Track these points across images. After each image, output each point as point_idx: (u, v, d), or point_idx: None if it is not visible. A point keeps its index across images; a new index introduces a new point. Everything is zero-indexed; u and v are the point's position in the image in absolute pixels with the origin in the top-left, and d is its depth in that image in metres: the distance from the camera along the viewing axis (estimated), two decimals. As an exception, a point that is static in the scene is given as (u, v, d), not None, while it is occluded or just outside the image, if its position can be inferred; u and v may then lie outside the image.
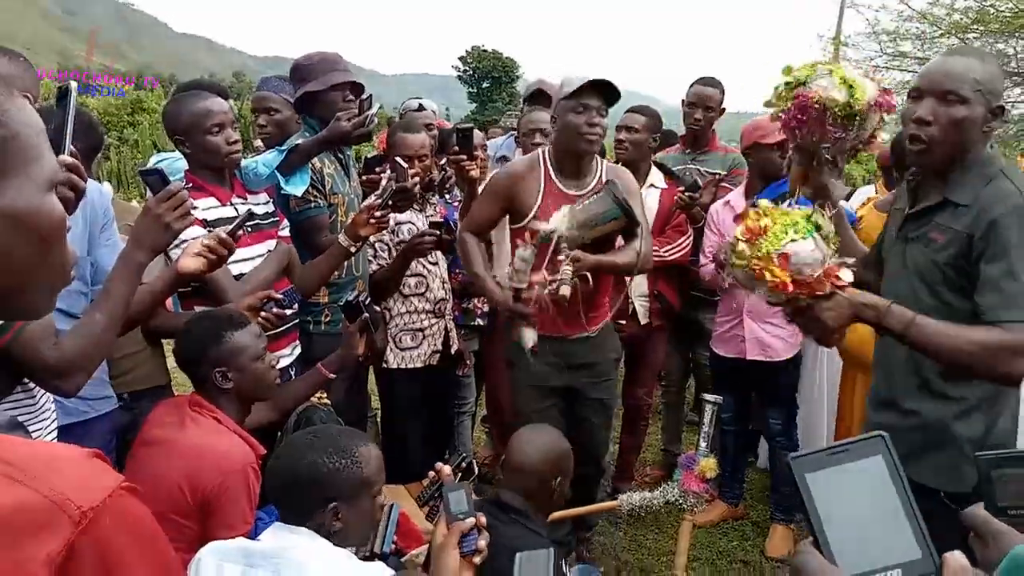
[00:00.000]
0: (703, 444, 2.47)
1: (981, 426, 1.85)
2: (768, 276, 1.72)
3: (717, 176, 3.70)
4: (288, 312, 2.45)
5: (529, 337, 2.55)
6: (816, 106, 1.89)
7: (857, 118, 1.90)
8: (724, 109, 3.77)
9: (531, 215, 2.67)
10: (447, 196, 3.47)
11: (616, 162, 3.39)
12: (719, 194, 3.60)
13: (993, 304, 1.71)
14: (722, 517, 3.63)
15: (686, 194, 3.38)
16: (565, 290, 2.37)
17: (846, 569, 0.65)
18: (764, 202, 1.84)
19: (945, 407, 1.88)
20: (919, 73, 1.90)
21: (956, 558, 0.63)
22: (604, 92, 2.59)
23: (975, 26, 8.67)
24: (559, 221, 2.47)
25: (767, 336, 3.30)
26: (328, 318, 2.88)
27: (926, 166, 1.88)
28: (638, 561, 3.29)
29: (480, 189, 3.12)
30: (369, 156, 3.25)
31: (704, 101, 3.69)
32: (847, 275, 1.73)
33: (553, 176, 2.72)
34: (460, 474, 2.19)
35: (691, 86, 3.77)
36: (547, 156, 2.76)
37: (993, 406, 1.86)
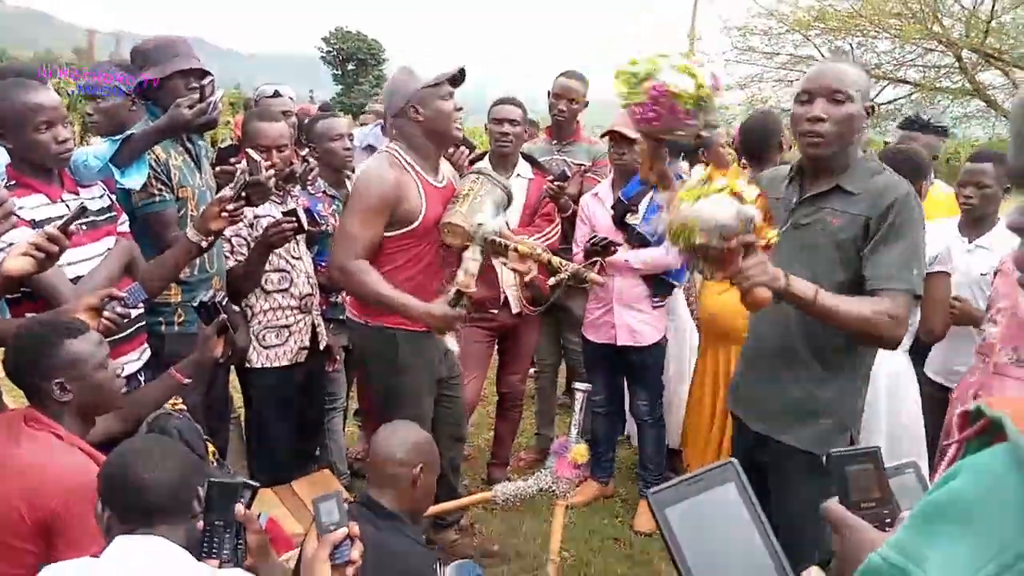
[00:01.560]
0: (574, 431, 2.52)
1: (851, 400, 2.13)
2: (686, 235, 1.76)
3: (583, 167, 3.77)
4: (133, 312, 2.27)
5: (452, 343, 2.63)
6: (667, 97, 1.92)
7: (703, 103, 1.96)
8: (587, 102, 3.83)
9: (419, 219, 2.61)
10: (310, 188, 3.34)
11: (500, 155, 3.41)
12: (585, 184, 3.68)
13: (881, 275, 1.95)
14: (594, 497, 3.74)
15: (555, 183, 3.42)
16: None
17: None
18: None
19: (818, 382, 2.10)
20: (806, 77, 2.07)
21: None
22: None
23: (816, 23, 9.30)
24: (479, 216, 2.54)
25: (635, 322, 3.43)
26: (182, 318, 2.71)
27: (821, 159, 2.06)
28: (514, 546, 3.33)
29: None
30: (222, 146, 3.05)
31: (568, 93, 3.73)
32: (770, 234, 1.81)
33: (422, 173, 2.68)
34: (204, 310, 2.28)
35: (556, 78, 3.81)
36: (402, 153, 2.67)
37: (855, 380, 2.13)
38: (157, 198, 2.60)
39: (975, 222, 3.05)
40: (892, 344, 2.01)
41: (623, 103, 2.00)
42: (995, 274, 2.71)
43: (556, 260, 2.69)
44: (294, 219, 2.77)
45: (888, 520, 0.83)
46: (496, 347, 3.75)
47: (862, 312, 1.92)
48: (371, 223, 2.58)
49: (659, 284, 3.41)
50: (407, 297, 2.55)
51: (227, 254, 2.90)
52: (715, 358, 3.42)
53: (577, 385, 2.73)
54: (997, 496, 0.52)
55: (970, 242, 3.04)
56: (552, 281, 2.80)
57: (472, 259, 2.53)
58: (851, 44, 9.09)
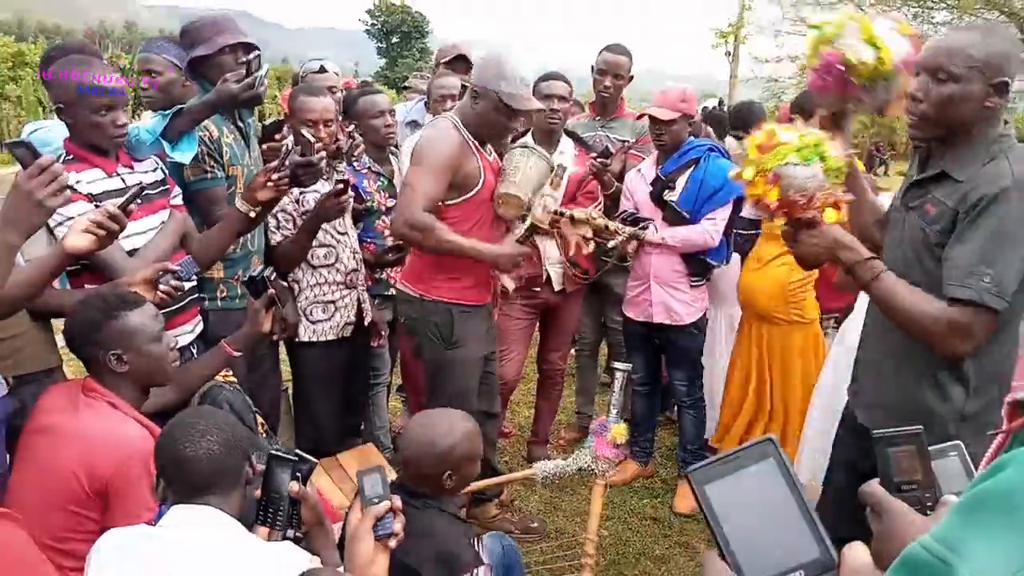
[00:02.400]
0: (613, 411, 2.52)
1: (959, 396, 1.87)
2: (754, 189, 1.78)
3: (626, 144, 3.73)
4: (186, 284, 2.33)
5: (509, 282, 2.75)
6: (840, 66, 1.87)
7: (883, 80, 1.88)
8: (632, 76, 3.78)
9: (478, 185, 2.71)
10: (355, 164, 3.37)
11: (547, 131, 3.40)
12: (629, 161, 3.64)
13: (948, 276, 1.75)
14: (634, 476, 3.75)
15: (598, 160, 3.40)
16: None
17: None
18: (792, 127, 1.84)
19: (941, 397, 1.87)
20: (924, 47, 1.86)
21: (853, 554, 0.64)
22: None
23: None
24: (536, 182, 2.72)
25: (672, 301, 3.40)
26: (224, 293, 2.75)
27: (918, 140, 1.89)
28: (553, 523, 3.36)
29: (405, 162, 3.14)
30: (267, 122, 3.08)
31: (613, 68, 3.68)
32: (831, 215, 1.79)
33: (478, 145, 2.76)
34: (252, 285, 2.31)
35: (600, 53, 3.75)
36: (460, 125, 2.73)
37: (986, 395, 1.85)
38: (209, 175, 2.64)
39: None
40: (950, 357, 1.79)
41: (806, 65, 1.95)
42: None
43: (612, 224, 2.75)
44: (344, 186, 2.81)
45: (930, 504, 0.83)
46: (537, 325, 3.77)
47: (923, 312, 1.74)
48: (437, 180, 2.64)
49: (697, 263, 3.38)
50: (476, 241, 2.68)
51: (273, 229, 2.95)
52: (749, 337, 3.39)
53: (616, 364, 2.73)
54: None
55: None
56: (611, 244, 2.86)
57: (550, 196, 2.65)
58: (906, 14, 8.76)
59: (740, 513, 0.67)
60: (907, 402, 1.92)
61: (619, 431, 2.49)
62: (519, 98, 2.64)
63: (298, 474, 1.67)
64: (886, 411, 1.97)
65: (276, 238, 2.96)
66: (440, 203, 2.69)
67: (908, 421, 1.83)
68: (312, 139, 2.64)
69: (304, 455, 1.74)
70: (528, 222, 2.67)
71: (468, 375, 2.88)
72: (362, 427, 3.61)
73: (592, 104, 3.95)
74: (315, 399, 3.12)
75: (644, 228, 3.11)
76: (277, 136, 3.17)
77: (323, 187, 3.01)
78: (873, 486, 0.87)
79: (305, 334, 3.04)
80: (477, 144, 2.76)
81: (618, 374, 2.56)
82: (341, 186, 2.81)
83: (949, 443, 0.94)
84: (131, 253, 2.28)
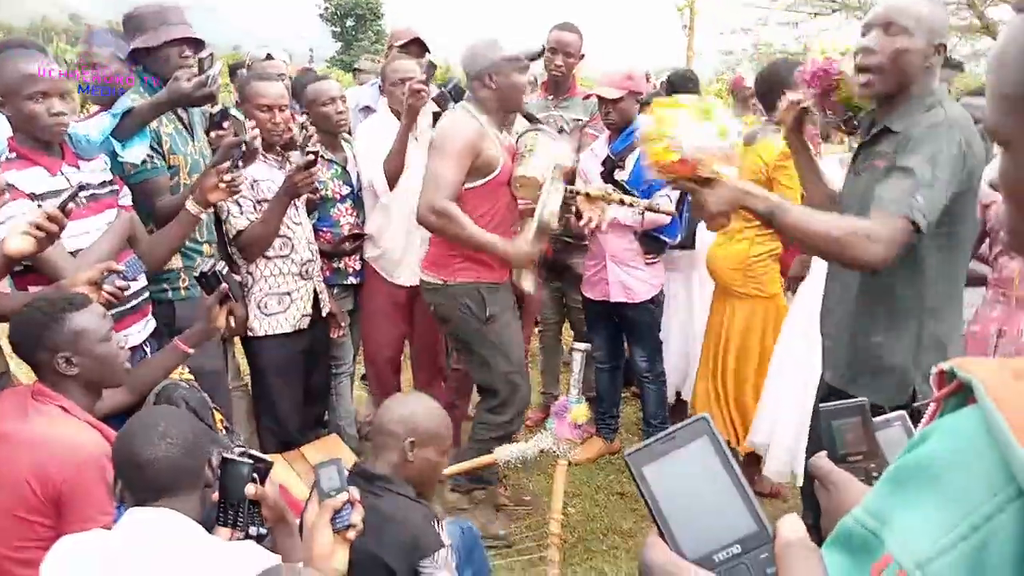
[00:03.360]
0: (574, 391, 2.54)
1: (910, 350, 1.97)
2: (656, 154, 1.88)
3: (580, 123, 3.73)
4: (133, 284, 2.30)
5: (529, 282, 2.82)
6: (834, 78, 2.07)
7: (856, 108, 2.09)
8: (584, 55, 3.77)
9: (498, 168, 2.79)
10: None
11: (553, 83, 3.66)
12: (584, 140, 3.64)
13: (878, 200, 1.80)
14: (599, 454, 3.79)
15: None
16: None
17: (691, 555, 0.65)
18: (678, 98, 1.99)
19: (881, 338, 1.99)
20: (871, 10, 2.00)
21: (788, 526, 0.64)
22: None
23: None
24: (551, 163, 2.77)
25: (628, 279, 3.45)
26: (187, 283, 2.72)
27: (872, 95, 1.97)
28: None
29: (360, 147, 3.33)
30: (212, 111, 3.01)
31: (564, 47, 3.67)
32: (728, 170, 1.89)
33: (494, 130, 2.84)
34: (204, 281, 2.24)
35: (550, 31, 3.74)
36: (475, 113, 2.81)
37: (921, 327, 1.96)
38: (148, 165, 2.60)
39: None
40: (865, 266, 1.80)
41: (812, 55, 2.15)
42: (985, 206, 2.69)
43: (628, 197, 2.83)
44: (317, 161, 2.83)
45: (875, 474, 0.84)
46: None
47: (829, 231, 1.76)
48: (459, 167, 2.72)
49: (651, 241, 3.41)
50: (494, 236, 2.75)
51: (235, 215, 2.89)
52: (719, 310, 3.43)
53: (576, 345, 2.75)
54: (966, 459, 0.52)
55: None
56: (638, 210, 3.03)
57: (553, 197, 2.68)
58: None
59: (677, 493, 0.68)
60: (870, 359, 2.00)
61: (580, 411, 2.51)
62: (522, 54, 2.80)
63: (255, 475, 1.66)
64: (851, 368, 2.05)
65: (240, 223, 2.90)
66: (461, 187, 2.75)
67: (873, 378, 1.97)
68: (242, 118, 2.62)
69: (259, 455, 1.73)
70: (536, 223, 2.74)
71: (512, 344, 2.96)
72: (326, 417, 3.60)
73: (544, 83, 3.94)
74: (275, 392, 3.09)
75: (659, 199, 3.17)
76: (225, 124, 3.11)
77: (277, 176, 2.97)
78: (820, 459, 0.89)
79: (261, 327, 3.01)
80: (490, 128, 2.83)
81: (577, 355, 2.58)
82: (311, 157, 2.79)
83: (893, 413, 0.97)
84: (76, 254, 2.23)
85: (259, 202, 2.93)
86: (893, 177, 1.82)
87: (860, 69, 1.92)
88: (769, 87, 3.39)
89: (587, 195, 2.84)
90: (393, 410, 2.05)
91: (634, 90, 3.29)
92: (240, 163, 2.45)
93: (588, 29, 3.82)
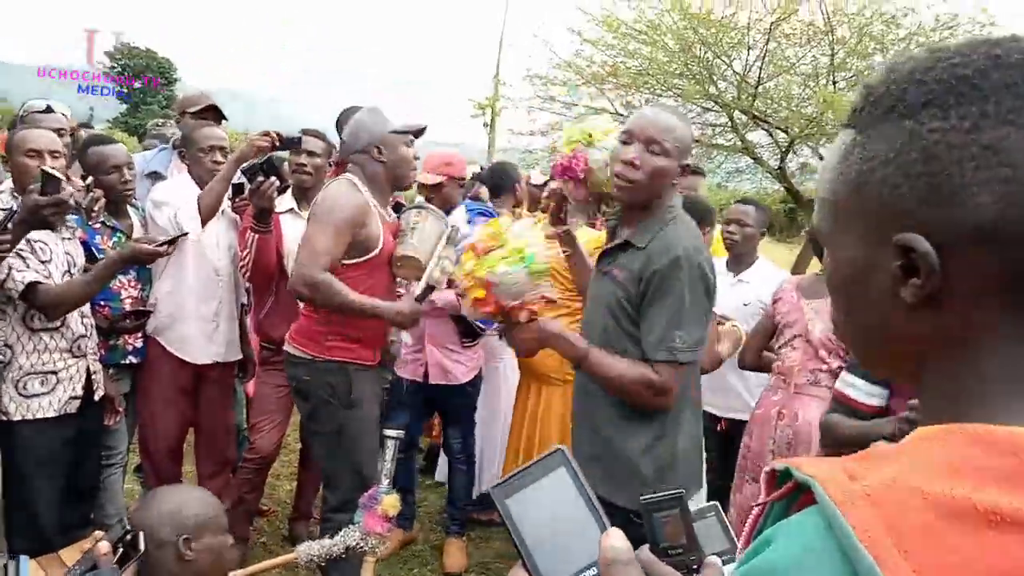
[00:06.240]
0: (385, 481, 2.40)
1: (665, 454, 2.06)
2: (472, 294, 2.01)
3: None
4: None
5: (407, 336, 2.89)
6: (584, 167, 2.23)
7: (604, 193, 2.26)
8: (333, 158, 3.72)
9: (379, 247, 2.69)
10: (91, 222, 2.99)
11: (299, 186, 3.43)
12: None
13: (648, 343, 1.98)
14: (400, 545, 3.61)
15: None
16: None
17: None
18: (503, 221, 2.15)
19: (631, 439, 2.06)
20: (632, 120, 2.10)
21: (609, 543, 0.66)
22: None
23: (610, 78, 9.95)
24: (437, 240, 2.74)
25: (448, 361, 3.42)
26: None
27: (628, 203, 2.10)
28: None
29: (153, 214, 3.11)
30: None
31: (312, 147, 3.55)
32: (543, 311, 2.07)
33: (376, 204, 2.72)
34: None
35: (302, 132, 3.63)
36: (360, 185, 2.68)
37: (673, 435, 2.07)
38: None
39: (736, 258, 3.44)
40: (658, 410, 2.02)
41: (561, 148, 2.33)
42: (775, 302, 3.00)
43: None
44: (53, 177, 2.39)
45: (695, 566, 0.85)
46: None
47: (624, 380, 1.97)
48: (338, 239, 2.60)
49: (465, 324, 3.40)
50: (376, 300, 2.64)
51: (18, 270, 2.50)
52: (528, 397, 3.45)
53: (387, 432, 2.60)
54: (813, 562, 0.52)
55: (735, 276, 3.41)
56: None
57: (446, 257, 2.66)
58: (640, 100, 9.80)
59: (538, 522, 0.71)
60: (605, 450, 2.10)
61: (391, 502, 2.36)
62: (407, 127, 2.79)
63: None
64: (594, 461, 2.09)
65: (29, 276, 2.52)
66: (339, 263, 2.62)
67: (609, 466, 2.05)
68: (60, 175, 2.32)
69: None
70: (425, 281, 2.66)
71: (370, 435, 2.77)
72: (92, 516, 3.13)
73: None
74: (32, 488, 2.64)
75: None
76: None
77: (54, 243, 2.64)
78: (644, 553, 0.88)
79: (17, 411, 2.59)
80: (373, 203, 2.70)
81: (389, 441, 2.44)
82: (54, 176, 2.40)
83: (707, 504, 1.01)
84: None
85: (43, 262, 2.58)
86: (652, 315, 1.98)
87: (620, 177, 2.03)
88: (500, 180, 3.87)
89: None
90: (151, 512, 1.77)
91: (452, 175, 3.35)
92: (10, 224, 2.13)
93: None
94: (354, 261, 2.67)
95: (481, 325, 3.43)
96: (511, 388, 3.68)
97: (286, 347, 2.85)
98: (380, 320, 2.72)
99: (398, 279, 2.89)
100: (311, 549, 2.29)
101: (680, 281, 1.95)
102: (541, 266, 2.03)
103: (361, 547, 2.33)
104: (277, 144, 3.18)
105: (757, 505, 0.67)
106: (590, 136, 2.30)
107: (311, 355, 2.73)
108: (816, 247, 3.03)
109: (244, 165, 3.23)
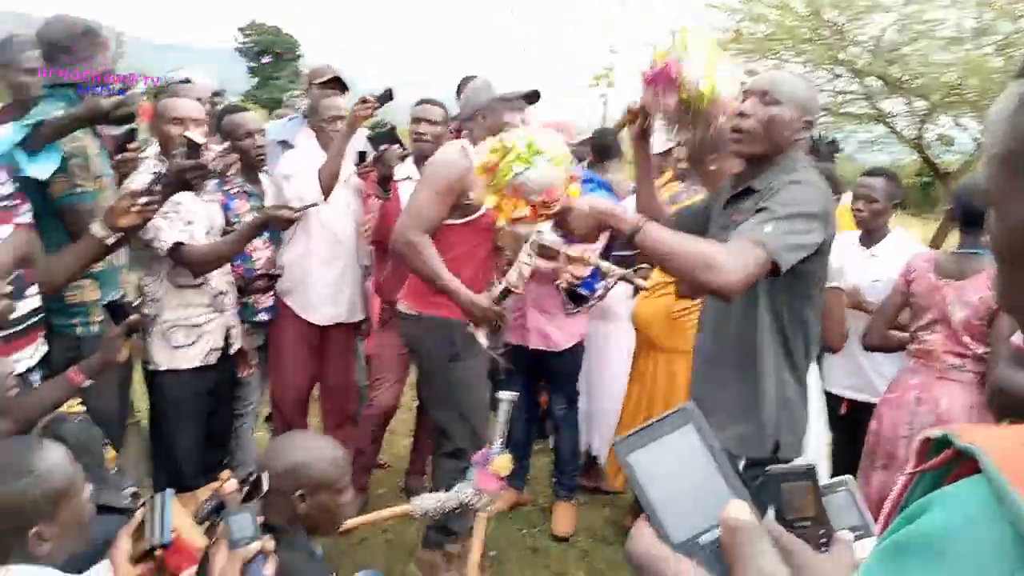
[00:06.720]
0: (498, 442, 2.45)
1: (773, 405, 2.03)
2: (503, 210, 1.96)
3: None
4: (19, 306, 2.09)
5: (483, 338, 2.66)
6: (674, 77, 2.07)
7: (695, 111, 2.08)
8: (452, 124, 3.69)
9: (481, 211, 2.65)
10: (226, 186, 3.18)
11: (419, 154, 3.40)
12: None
13: (737, 231, 1.86)
14: (509, 505, 3.69)
15: None
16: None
17: (677, 539, 0.68)
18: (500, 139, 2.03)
19: (740, 384, 2.04)
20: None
21: (734, 513, 0.65)
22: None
23: (732, 44, 9.58)
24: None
25: (548, 327, 3.44)
26: (100, 318, 2.52)
27: (741, 155, 2.05)
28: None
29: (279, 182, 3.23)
30: (116, 133, 2.81)
31: (427, 116, 3.51)
32: (574, 190, 1.99)
33: None
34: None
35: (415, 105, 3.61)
36: (471, 151, 2.70)
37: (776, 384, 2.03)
38: (79, 190, 2.45)
39: (868, 234, 3.24)
40: (717, 291, 1.77)
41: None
42: (909, 280, 2.82)
43: (604, 264, 2.77)
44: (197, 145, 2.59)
45: (823, 540, 0.82)
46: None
47: (694, 246, 1.79)
48: (441, 202, 2.69)
49: (570, 295, 3.39)
50: (458, 283, 2.67)
51: (163, 230, 2.70)
52: (645, 363, 3.44)
53: (501, 394, 2.65)
54: (974, 533, 0.50)
55: (867, 250, 3.27)
56: (600, 289, 3.05)
57: (525, 263, 2.56)
58: (765, 68, 9.39)
59: (663, 479, 0.70)
60: (741, 402, 2.05)
61: (503, 463, 2.42)
62: (514, 93, 2.79)
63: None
64: (727, 413, 2.05)
65: (173, 236, 2.71)
66: (442, 224, 2.72)
67: (738, 420, 2.00)
68: (200, 139, 2.49)
69: (127, 507, 1.59)
70: (503, 285, 2.61)
71: (476, 387, 2.91)
72: (226, 460, 3.37)
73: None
74: (174, 432, 2.88)
75: (638, 272, 2.94)
76: (130, 146, 2.92)
77: (196, 207, 2.84)
78: (772, 523, 0.86)
79: (164, 361, 2.81)
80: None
81: (503, 403, 2.49)
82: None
83: (837, 479, 0.96)
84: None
85: (187, 223, 2.79)
86: (753, 218, 1.88)
87: (734, 130, 2.02)
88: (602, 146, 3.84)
89: (568, 255, 2.78)
90: (276, 461, 1.81)
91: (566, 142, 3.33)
92: (158, 187, 2.30)
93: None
94: (457, 221, 2.75)
95: (584, 291, 3.42)
96: (623, 353, 3.65)
97: (398, 306, 2.98)
98: (474, 285, 2.73)
99: (502, 246, 2.93)
100: (426, 502, 2.39)
101: (790, 192, 1.89)
102: (557, 151, 1.99)
103: (473, 504, 2.40)
104: (378, 106, 3.28)
105: (905, 475, 0.64)
106: (685, 47, 2.13)
107: (417, 311, 2.87)
108: (959, 222, 2.79)
109: (369, 134, 3.36)
